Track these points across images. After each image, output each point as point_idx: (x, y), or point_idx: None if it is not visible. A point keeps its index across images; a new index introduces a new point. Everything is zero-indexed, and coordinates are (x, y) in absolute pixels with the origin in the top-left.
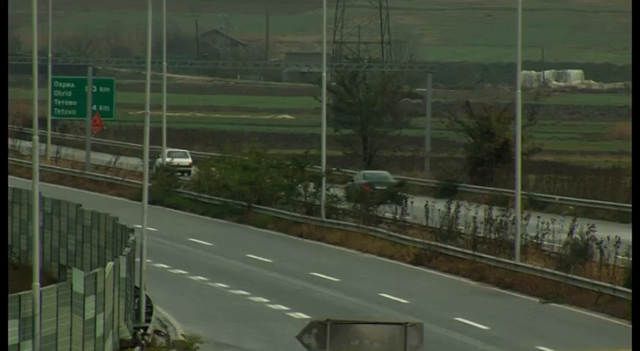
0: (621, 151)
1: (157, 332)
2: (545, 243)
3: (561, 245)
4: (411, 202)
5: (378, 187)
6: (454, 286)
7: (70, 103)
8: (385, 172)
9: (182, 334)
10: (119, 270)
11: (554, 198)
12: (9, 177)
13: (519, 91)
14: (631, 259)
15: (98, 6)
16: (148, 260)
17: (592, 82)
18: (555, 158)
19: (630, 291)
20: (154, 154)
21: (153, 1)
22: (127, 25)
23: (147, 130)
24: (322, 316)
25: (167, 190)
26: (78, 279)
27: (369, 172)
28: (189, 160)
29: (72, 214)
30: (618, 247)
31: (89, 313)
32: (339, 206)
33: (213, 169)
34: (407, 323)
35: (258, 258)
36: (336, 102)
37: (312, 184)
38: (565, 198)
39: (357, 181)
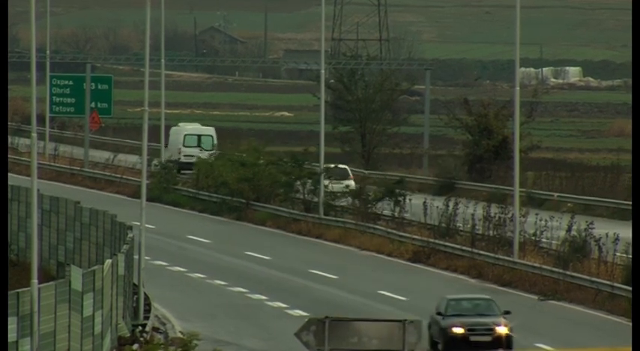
0: (620, 148)
1: (155, 329)
2: (543, 240)
3: (560, 242)
4: (410, 200)
5: None
6: (452, 283)
7: (69, 100)
8: None
9: (180, 332)
10: (117, 267)
11: (553, 195)
12: (7, 174)
13: (518, 88)
14: (630, 256)
15: (96, 3)
16: (146, 257)
17: (590, 79)
18: (554, 155)
19: (629, 288)
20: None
21: None
22: (125, 22)
23: (145, 127)
24: (321, 314)
25: (165, 187)
26: (76, 276)
27: None
28: None
29: (70, 212)
30: (617, 244)
31: (87, 311)
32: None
33: (211, 166)
34: (405, 320)
35: (257, 255)
36: (335, 99)
37: (310, 182)
38: (563, 195)
39: None
